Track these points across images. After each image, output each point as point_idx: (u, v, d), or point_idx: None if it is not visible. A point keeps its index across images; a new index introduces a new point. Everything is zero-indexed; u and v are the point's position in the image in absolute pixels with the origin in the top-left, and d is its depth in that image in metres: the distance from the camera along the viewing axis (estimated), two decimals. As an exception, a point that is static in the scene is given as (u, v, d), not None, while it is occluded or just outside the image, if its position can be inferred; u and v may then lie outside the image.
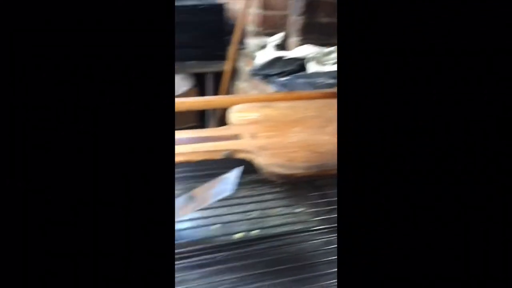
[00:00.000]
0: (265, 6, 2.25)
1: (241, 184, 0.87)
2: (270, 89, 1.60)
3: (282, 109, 1.10)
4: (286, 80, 1.58)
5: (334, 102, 1.25)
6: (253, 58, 2.02)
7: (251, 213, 0.85)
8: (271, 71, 1.71)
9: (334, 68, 1.78)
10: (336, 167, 0.82)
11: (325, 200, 0.86)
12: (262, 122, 1.01)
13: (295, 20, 2.11)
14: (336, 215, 0.83)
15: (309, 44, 1.95)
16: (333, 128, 1.01)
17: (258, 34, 2.24)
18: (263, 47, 2.11)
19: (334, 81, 1.50)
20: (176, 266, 0.59)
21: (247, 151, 0.87)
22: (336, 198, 0.87)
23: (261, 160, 0.85)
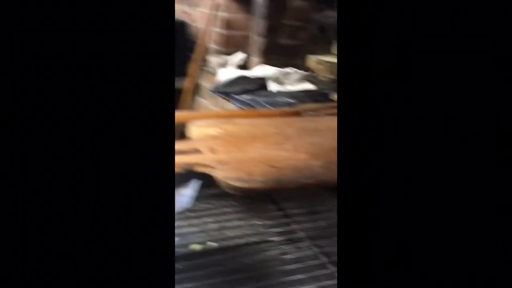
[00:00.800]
0: (228, 26, 2.29)
1: (200, 197, 0.89)
2: (231, 106, 1.63)
3: (243, 125, 1.13)
4: (247, 98, 1.61)
5: (293, 120, 1.30)
6: (214, 75, 2.05)
7: (209, 225, 0.86)
8: (232, 89, 1.74)
9: (294, 88, 1.84)
10: (293, 182, 0.86)
11: (282, 213, 0.89)
12: (222, 137, 1.03)
13: (257, 40, 2.17)
14: (291, 227, 0.86)
15: (269, 65, 2.00)
16: (291, 144, 1.04)
17: (219, 52, 2.28)
18: (224, 65, 2.14)
19: (294, 100, 1.54)
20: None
21: (207, 165, 0.88)
22: (293, 211, 0.91)
23: (220, 174, 0.87)
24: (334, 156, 1.16)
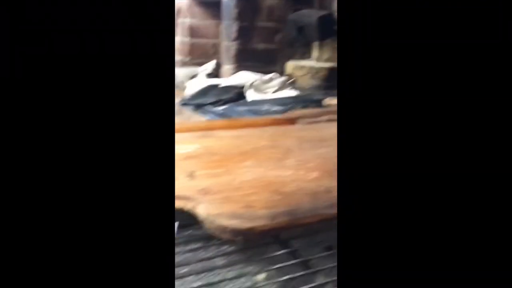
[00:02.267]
0: (193, 34, 2.07)
1: (176, 244, 0.60)
2: (205, 119, 1.36)
3: (226, 139, 0.87)
4: (224, 109, 1.35)
5: (289, 130, 1.05)
6: (182, 88, 1.79)
7: (192, 284, 0.58)
8: (204, 100, 1.47)
9: (275, 95, 1.59)
10: (311, 214, 0.59)
11: (299, 261, 0.61)
12: (202, 156, 0.76)
13: (228, 46, 1.93)
14: (315, 282, 0.59)
15: (246, 71, 1.75)
16: (294, 160, 0.78)
17: (186, 63, 2.04)
18: (193, 76, 1.89)
19: (279, 107, 1.29)
20: None
21: (184, 197, 0.61)
22: (314, 257, 0.64)
23: (204, 209, 0.59)
24: None
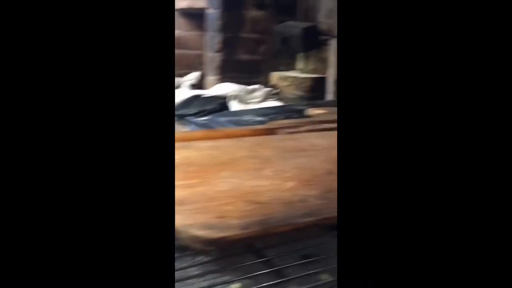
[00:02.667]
0: (177, 45, 2.07)
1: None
2: (185, 130, 1.36)
3: (204, 149, 0.87)
4: (206, 119, 1.35)
5: (268, 140, 1.05)
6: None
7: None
8: (187, 110, 1.48)
9: (259, 106, 1.59)
10: (285, 223, 0.59)
11: (274, 270, 0.61)
12: (179, 166, 0.75)
13: (212, 58, 1.94)
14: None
15: (229, 82, 1.76)
16: (272, 170, 0.78)
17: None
18: (177, 87, 1.89)
19: (261, 118, 1.29)
20: None
21: (158, 208, 0.60)
22: (288, 266, 0.64)
23: (178, 220, 0.58)
24: (330, 181, 0.86)
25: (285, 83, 1.89)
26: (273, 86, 1.89)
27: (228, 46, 1.91)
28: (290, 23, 1.92)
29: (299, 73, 1.94)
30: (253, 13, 1.94)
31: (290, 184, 0.73)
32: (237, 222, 0.58)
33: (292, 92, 1.86)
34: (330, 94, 1.71)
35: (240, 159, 0.83)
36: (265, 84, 1.89)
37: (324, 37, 1.78)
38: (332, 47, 1.69)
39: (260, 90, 1.71)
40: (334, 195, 0.73)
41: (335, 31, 1.62)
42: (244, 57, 1.95)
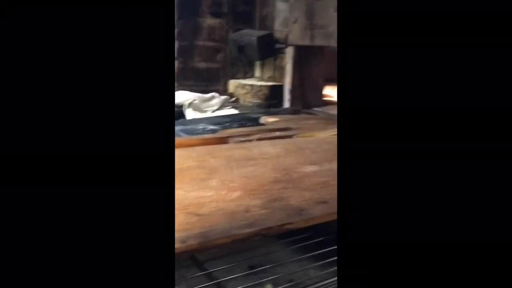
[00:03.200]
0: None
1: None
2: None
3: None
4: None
5: (218, 149, 1.04)
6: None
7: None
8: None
9: (215, 114, 1.58)
10: (225, 234, 0.59)
11: (213, 282, 0.60)
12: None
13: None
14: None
15: (185, 91, 1.74)
16: (218, 180, 0.78)
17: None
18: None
19: (216, 127, 1.28)
20: None
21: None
22: (228, 276, 0.63)
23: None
24: (276, 190, 0.86)
25: (242, 91, 1.89)
26: (230, 94, 1.88)
27: (183, 54, 1.89)
28: (246, 31, 1.92)
29: (256, 81, 1.95)
30: (209, 21, 1.93)
31: (235, 194, 0.72)
32: (177, 236, 0.57)
33: (249, 100, 1.86)
34: (287, 102, 1.72)
35: (187, 169, 0.82)
36: (223, 92, 1.88)
37: (280, 45, 1.79)
38: (288, 55, 1.70)
39: (216, 98, 1.70)
40: (279, 204, 0.74)
41: (290, 39, 1.63)
42: (201, 65, 1.94)
